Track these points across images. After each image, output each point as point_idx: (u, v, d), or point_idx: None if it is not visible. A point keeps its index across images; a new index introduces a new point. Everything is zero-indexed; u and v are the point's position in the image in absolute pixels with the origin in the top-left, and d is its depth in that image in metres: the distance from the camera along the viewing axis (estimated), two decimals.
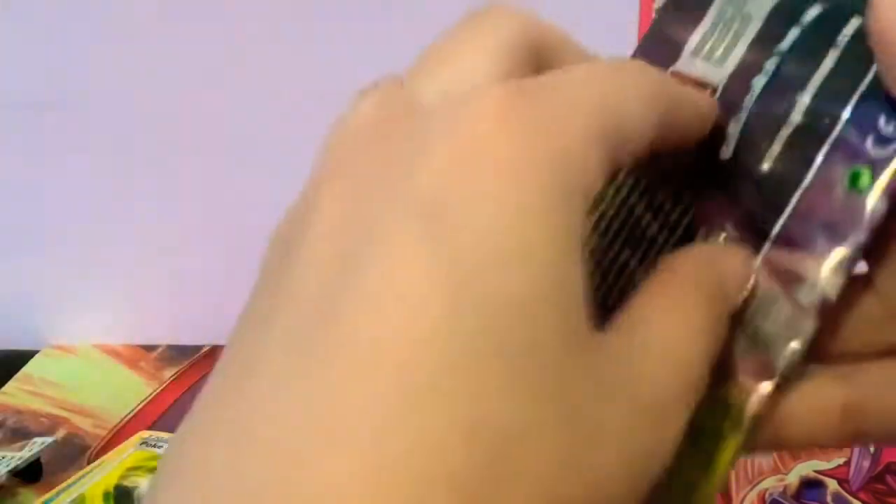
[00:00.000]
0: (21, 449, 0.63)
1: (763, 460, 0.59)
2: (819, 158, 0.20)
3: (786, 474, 0.60)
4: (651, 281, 0.18)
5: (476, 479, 0.13)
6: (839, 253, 0.19)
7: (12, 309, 0.81)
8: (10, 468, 0.59)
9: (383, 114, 0.16)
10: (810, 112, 0.20)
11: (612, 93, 0.16)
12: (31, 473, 0.61)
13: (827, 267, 0.19)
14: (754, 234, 0.20)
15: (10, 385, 0.75)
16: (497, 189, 0.14)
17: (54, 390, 0.74)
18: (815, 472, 0.60)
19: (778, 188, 0.20)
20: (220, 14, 0.72)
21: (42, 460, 0.62)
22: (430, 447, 0.12)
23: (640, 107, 0.17)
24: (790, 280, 0.19)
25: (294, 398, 0.13)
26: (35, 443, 0.64)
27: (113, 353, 0.81)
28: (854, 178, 0.19)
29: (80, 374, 0.77)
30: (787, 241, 0.20)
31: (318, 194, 0.15)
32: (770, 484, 0.59)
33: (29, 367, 0.78)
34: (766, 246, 0.20)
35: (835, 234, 0.19)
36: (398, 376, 0.13)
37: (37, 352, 0.80)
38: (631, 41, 0.75)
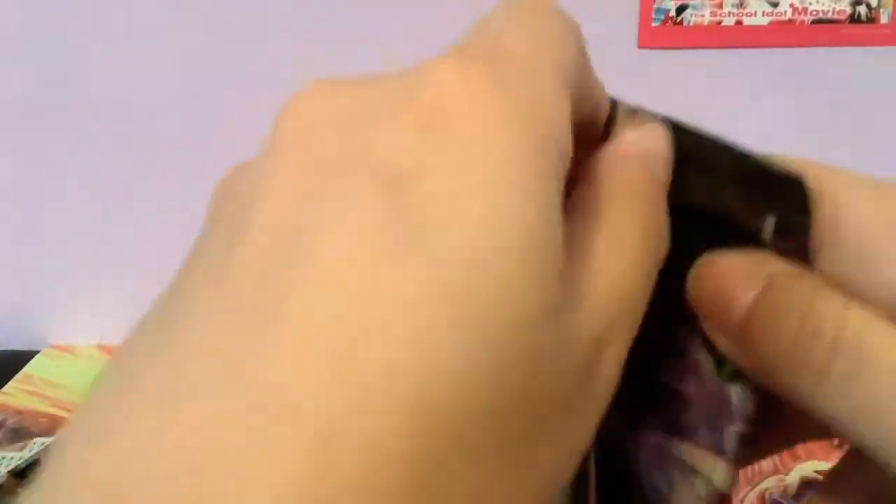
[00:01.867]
0: (21, 449, 0.63)
1: (763, 461, 0.59)
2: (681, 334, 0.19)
3: (786, 475, 0.60)
4: (591, 208, 0.17)
5: (425, 467, 0.12)
6: (722, 446, 0.18)
7: (12, 309, 0.81)
8: (10, 468, 0.59)
9: (352, 80, 0.15)
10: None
11: (560, 38, 0.16)
12: (31, 473, 0.61)
13: (715, 461, 0.18)
14: (633, 414, 0.19)
15: (10, 385, 0.75)
16: (469, 157, 0.13)
17: (54, 390, 0.74)
18: (816, 472, 0.60)
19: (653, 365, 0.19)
20: (221, 15, 0.72)
21: (42, 460, 0.62)
22: (374, 445, 0.11)
23: (578, 53, 0.16)
24: (686, 471, 0.18)
25: (225, 373, 0.12)
26: (35, 443, 0.64)
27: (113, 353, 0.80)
28: (719, 363, 0.18)
29: (80, 374, 0.77)
30: (678, 430, 0.19)
31: (277, 156, 0.14)
32: (770, 484, 0.59)
33: (29, 367, 0.78)
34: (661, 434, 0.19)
35: (714, 426, 0.18)
36: (345, 367, 0.12)
37: (37, 352, 0.80)
38: (631, 41, 0.75)
